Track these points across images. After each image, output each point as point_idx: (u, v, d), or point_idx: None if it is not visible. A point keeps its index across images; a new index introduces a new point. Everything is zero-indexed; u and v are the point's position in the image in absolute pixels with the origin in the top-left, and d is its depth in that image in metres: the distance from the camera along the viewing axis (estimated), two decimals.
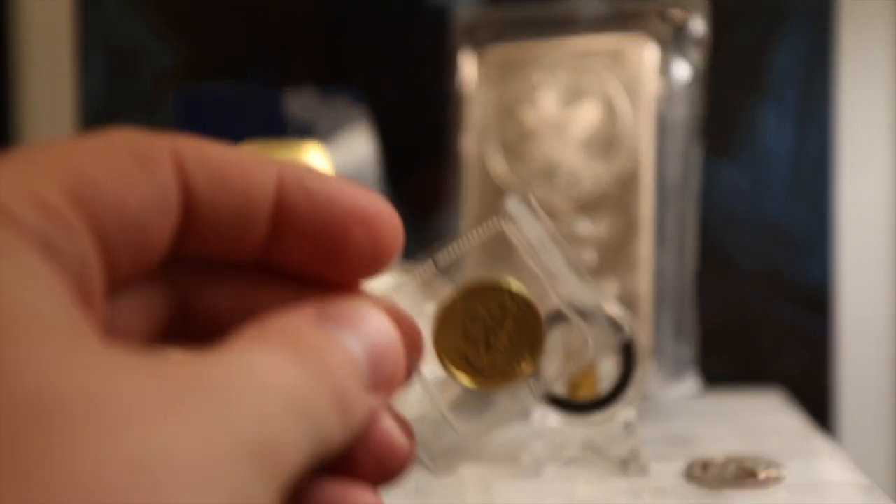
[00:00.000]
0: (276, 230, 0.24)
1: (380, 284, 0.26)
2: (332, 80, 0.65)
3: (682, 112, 0.55)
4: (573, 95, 0.56)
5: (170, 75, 0.66)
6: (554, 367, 0.27)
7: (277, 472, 0.20)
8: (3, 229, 0.19)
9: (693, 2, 0.56)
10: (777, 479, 0.41)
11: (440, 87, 0.61)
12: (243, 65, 0.66)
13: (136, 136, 0.23)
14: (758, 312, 0.64)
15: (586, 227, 0.55)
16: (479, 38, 0.59)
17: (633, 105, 0.55)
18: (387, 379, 0.24)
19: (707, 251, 0.58)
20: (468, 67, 0.59)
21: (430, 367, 0.26)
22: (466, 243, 0.26)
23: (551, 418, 0.44)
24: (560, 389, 0.26)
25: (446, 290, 0.26)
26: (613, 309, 0.27)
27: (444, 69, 0.61)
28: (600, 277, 0.54)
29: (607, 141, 0.56)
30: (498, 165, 0.57)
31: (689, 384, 0.54)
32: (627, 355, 0.43)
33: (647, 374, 0.44)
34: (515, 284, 0.26)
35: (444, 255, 0.26)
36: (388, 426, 0.24)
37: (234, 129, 0.58)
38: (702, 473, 0.42)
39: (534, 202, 0.27)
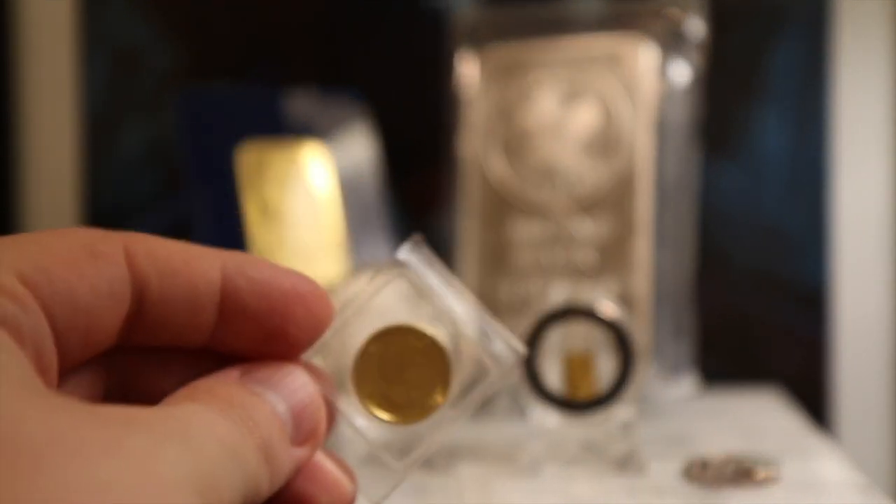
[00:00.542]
0: (222, 316, 0.26)
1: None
2: (332, 80, 0.65)
3: (681, 113, 0.56)
4: (572, 96, 0.57)
5: (170, 75, 0.66)
6: (459, 396, 0.29)
7: (216, 502, 0.22)
8: None
9: (692, 3, 0.56)
10: (775, 479, 0.42)
11: (440, 88, 0.61)
12: (243, 65, 0.67)
13: (90, 232, 0.25)
14: (756, 312, 0.65)
15: (585, 227, 0.55)
16: (479, 39, 0.59)
17: (632, 106, 0.56)
18: (310, 432, 0.26)
19: (705, 251, 0.58)
20: (467, 68, 0.59)
21: (356, 414, 0.29)
22: (367, 292, 0.29)
23: (550, 418, 0.44)
24: (466, 418, 0.29)
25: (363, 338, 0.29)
26: (507, 334, 0.30)
27: (444, 70, 0.61)
28: (599, 277, 0.55)
29: (606, 142, 0.56)
30: (497, 166, 0.57)
31: (688, 384, 0.54)
32: (626, 355, 0.44)
33: (645, 373, 0.44)
34: (419, 324, 0.29)
35: (346, 307, 0.29)
36: (331, 468, 0.27)
37: (234, 129, 0.58)
38: (700, 473, 0.42)
39: (424, 248, 0.29)
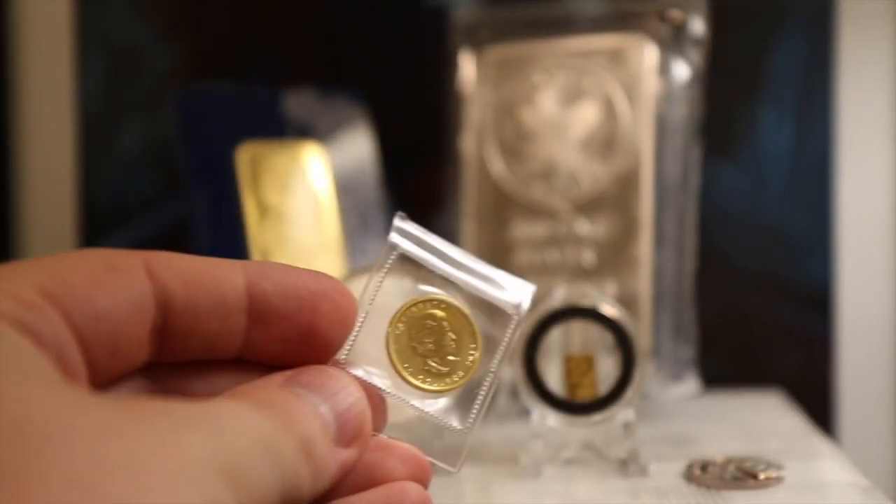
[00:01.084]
0: (252, 321, 0.27)
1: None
2: (332, 80, 0.65)
3: (682, 112, 0.55)
4: (572, 95, 0.56)
5: (170, 75, 0.66)
6: (491, 346, 0.31)
7: (245, 492, 0.22)
8: None
9: (693, 2, 0.56)
10: (777, 480, 0.41)
11: (439, 88, 0.61)
12: (243, 65, 0.66)
13: (109, 250, 0.26)
14: (757, 313, 0.64)
15: (586, 227, 0.55)
16: (479, 39, 0.59)
17: (633, 105, 0.55)
18: (355, 433, 0.27)
19: (706, 251, 0.58)
20: (467, 67, 0.59)
21: (405, 395, 0.30)
22: (375, 279, 0.30)
23: (550, 419, 0.44)
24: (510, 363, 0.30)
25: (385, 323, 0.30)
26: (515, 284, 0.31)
27: (444, 69, 0.60)
28: (599, 277, 0.54)
29: (606, 141, 0.56)
30: (497, 165, 0.57)
31: (689, 385, 0.54)
32: (627, 355, 0.43)
33: (646, 374, 0.44)
34: (433, 293, 0.30)
35: (368, 291, 0.30)
36: (401, 443, 0.28)
37: (234, 129, 0.58)
38: (701, 474, 0.42)
39: (410, 223, 0.31)
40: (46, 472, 0.19)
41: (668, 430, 0.51)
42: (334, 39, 0.66)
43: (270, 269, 0.28)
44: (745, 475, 0.42)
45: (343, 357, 0.29)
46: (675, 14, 0.56)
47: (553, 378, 0.45)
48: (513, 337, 0.30)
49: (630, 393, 0.43)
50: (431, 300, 0.30)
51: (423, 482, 0.28)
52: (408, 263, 0.30)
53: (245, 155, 0.57)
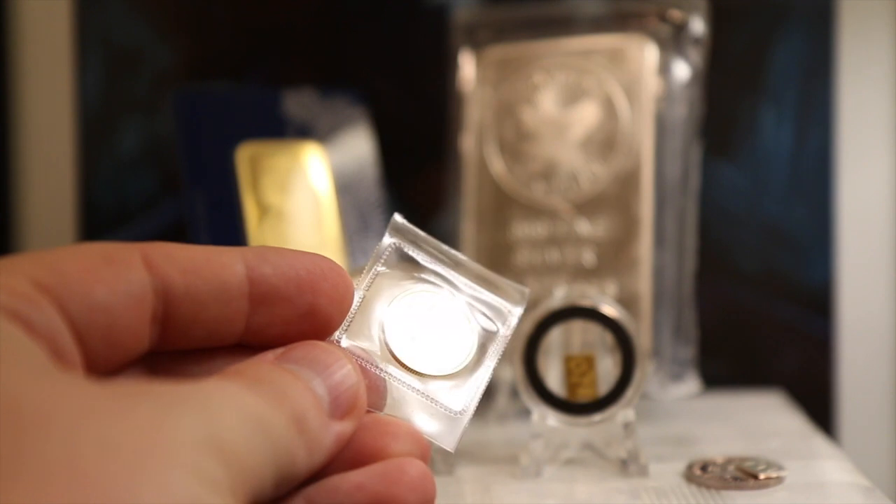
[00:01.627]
0: (254, 305, 0.27)
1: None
2: (332, 80, 0.64)
3: (682, 112, 0.55)
4: (572, 95, 0.56)
5: (169, 75, 0.66)
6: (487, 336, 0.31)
7: (238, 468, 0.22)
8: None
9: (693, 2, 0.56)
10: (777, 480, 0.41)
11: (440, 87, 0.61)
12: (243, 65, 0.66)
13: (106, 243, 0.26)
14: (758, 313, 0.64)
15: (585, 227, 0.55)
16: (479, 38, 0.59)
17: (633, 105, 0.55)
18: (349, 405, 0.27)
19: (707, 251, 0.58)
20: (467, 67, 0.59)
21: (402, 376, 0.30)
22: (376, 262, 0.31)
23: (550, 419, 0.44)
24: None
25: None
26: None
27: (444, 69, 0.60)
28: (600, 278, 0.54)
29: (607, 141, 0.55)
30: (497, 165, 0.57)
31: (689, 385, 0.54)
32: (627, 355, 0.43)
33: (646, 374, 0.44)
34: (431, 283, 0.31)
35: (360, 283, 0.30)
36: (397, 421, 0.28)
37: (234, 129, 0.58)
38: (701, 474, 0.42)
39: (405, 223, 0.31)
40: (35, 453, 0.19)
41: (668, 431, 0.51)
42: (334, 39, 0.66)
43: (268, 252, 0.28)
44: (745, 475, 0.42)
45: (340, 335, 0.29)
46: (675, 14, 0.56)
47: (553, 378, 0.45)
48: (503, 336, 0.31)
49: (630, 393, 0.43)
50: (430, 291, 0.31)
51: (423, 459, 0.28)
52: (404, 260, 0.31)
53: (245, 155, 0.57)
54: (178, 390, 0.23)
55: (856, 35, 0.64)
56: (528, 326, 0.44)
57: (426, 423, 0.30)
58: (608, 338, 0.44)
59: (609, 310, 0.44)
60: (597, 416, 0.44)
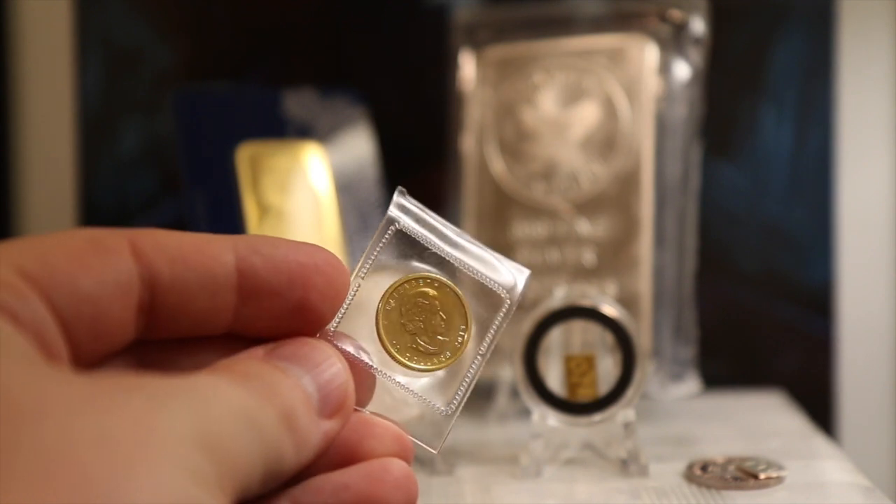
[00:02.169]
0: (243, 297, 0.27)
1: None
2: (332, 80, 0.64)
3: (682, 112, 0.55)
4: (573, 95, 0.56)
5: (169, 75, 0.66)
6: (482, 330, 0.31)
7: (227, 464, 0.22)
8: None
9: (693, 2, 0.56)
10: (777, 480, 0.41)
11: (440, 87, 0.61)
12: (243, 65, 0.66)
13: (93, 230, 0.26)
14: (758, 313, 0.64)
15: (586, 227, 0.55)
16: (479, 38, 0.59)
17: (633, 105, 0.55)
18: (338, 404, 0.27)
19: (707, 251, 0.58)
20: (467, 67, 0.59)
21: (392, 371, 0.30)
22: (374, 247, 0.30)
23: (551, 419, 0.44)
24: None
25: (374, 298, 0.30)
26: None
27: (444, 69, 0.60)
28: (600, 277, 0.54)
29: (607, 141, 0.55)
30: (497, 165, 0.57)
31: (689, 385, 0.54)
32: (627, 355, 0.43)
33: (646, 374, 0.44)
34: (427, 272, 0.30)
35: (364, 265, 0.30)
36: (383, 422, 0.28)
37: (234, 129, 0.58)
38: (702, 474, 0.42)
39: (410, 199, 0.31)
40: (29, 448, 0.19)
41: (668, 430, 0.51)
42: (334, 39, 0.66)
43: (261, 243, 0.27)
44: (745, 475, 0.42)
45: (331, 330, 0.29)
46: (675, 14, 0.56)
47: (553, 378, 0.45)
48: (503, 321, 0.30)
49: (630, 393, 0.43)
50: (424, 278, 0.30)
51: (406, 459, 0.28)
52: (404, 240, 0.30)
53: (245, 155, 0.57)
54: (168, 384, 0.23)
55: (856, 35, 0.64)
56: (529, 326, 0.44)
57: (416, 424, 0.30)
58: (608, 338, 0.44)
59: (609, 310, 0.44)
60: (597, 416, 0.44)
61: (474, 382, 0.30)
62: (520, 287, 0.31)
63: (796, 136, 0.64)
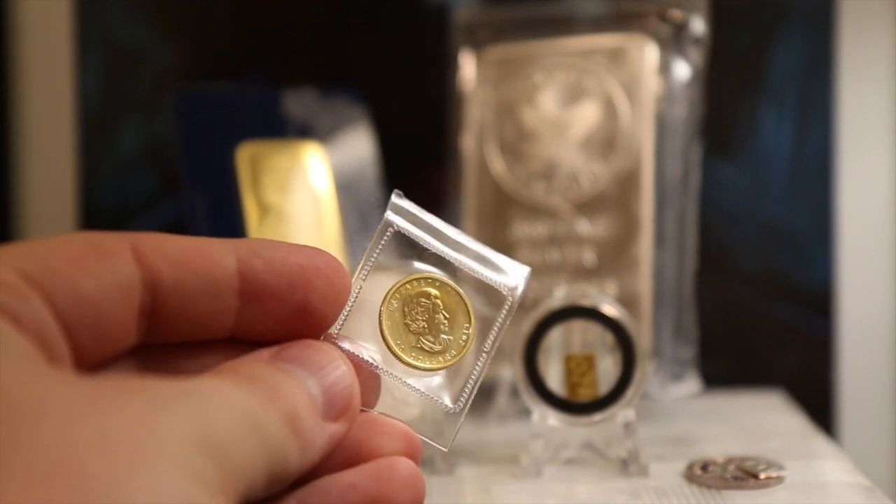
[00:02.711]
0: (244, 300, 0.27)
1: None
2: (332, 80, 0.64)
3: (682, 112, 0.55)
4: (573, 95, 0.56)
5: (169, 75, 0.66)
6: (485, 327, 0.31)
7: (229, 466, 0.22)
8: None
9: (693, 2, 0.56)
10: (777, 480, 0.41)
11: (440, 87, 0.61)
12: (243, 65, 0.66)
13: (95, 234, 0.26)
14: (758, 313, 0.64)
15: (586, 227, 0.55)
16: (479, 38, 0.59)
17: (633, 105, 0.55)
18: (343, 406, 0.27)
19: (707, 251, 0.58)
20: (467, 67, 0.59)
21: (397, 372, 0.30)
22: (373, 249, 0.30)
23: (551, 418, 0.44)
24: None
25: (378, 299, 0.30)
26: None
27: (444, 69, 0.60)
28: (600, 277, 0.54)
29: (607, 141, 0.55)
30: (497, 165, 0.57)
31: (689, 385, 0.54)
32: (627, 355, 0.43)
33: (646, 374, 0.44)
34: (428, 271, 0.30)
35: (364, 266, 0.30)
36: (391, 421, 0.28)
37: (234, 129, 0.58)
38: (702, 474, 0.42)
39: (406, 201, 0.31)
40: (31, 450, 0.19)
41: (668, 430, 0.51)
42: (334, 39, 0.66)
43: (262, 246, 0.27)
44: (745, 475, 0.42)
45: (335, 332, 0.29)
46: (675, 14, 0.56)
47: (553, 378, 0.45)
48: (507, 318, 0.30)
49: (630, 393, 0.43)
50: (426, 278, 0.30)
51: (415, 458, 0.28)
52: (403, 241, 0.30)
53: (245, 155, 0.57)
54: (171, 387, 0.23)
55: (856, 35, 0.64)
56: (529, 326, 0.44)
57: (419, 423, 0.30)
58: (608, 338, 0.44)
59: (609, 310, 0.44)
60: (597, 416, 0.44)
61: (481, 379, 0.30)
62: (521, 284, 0.31)
63: (796, 136, 0.64)
